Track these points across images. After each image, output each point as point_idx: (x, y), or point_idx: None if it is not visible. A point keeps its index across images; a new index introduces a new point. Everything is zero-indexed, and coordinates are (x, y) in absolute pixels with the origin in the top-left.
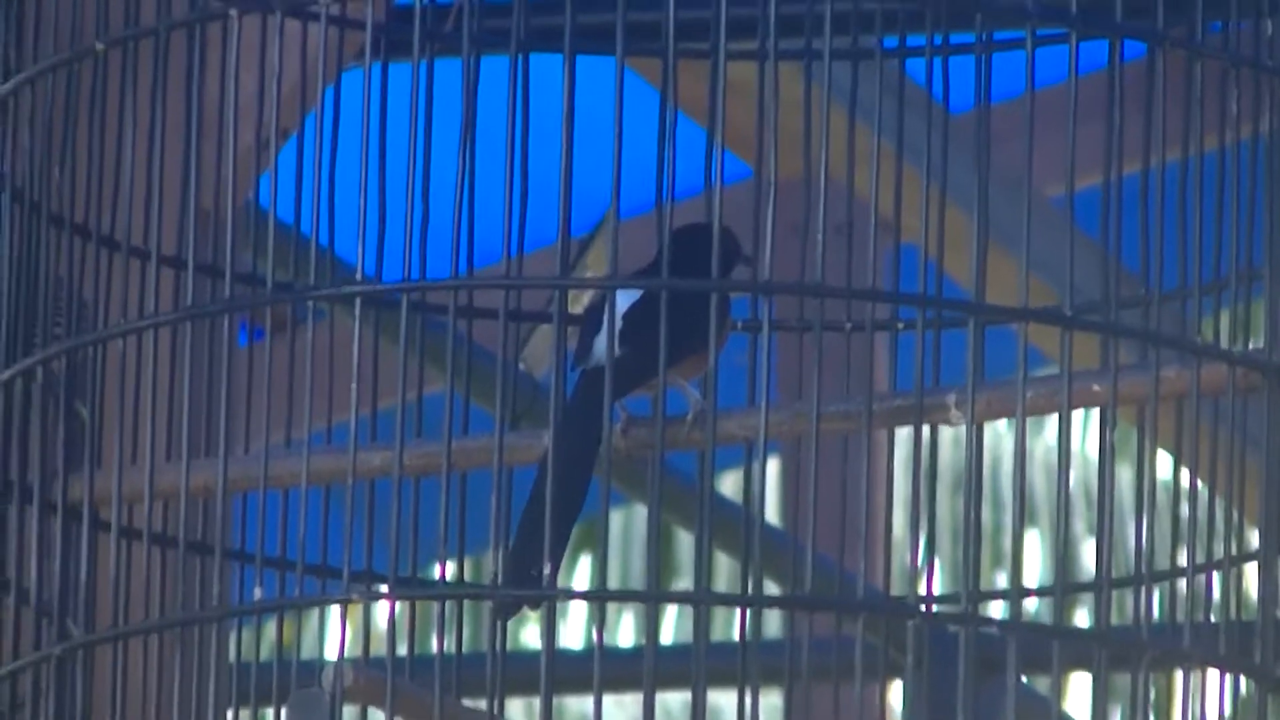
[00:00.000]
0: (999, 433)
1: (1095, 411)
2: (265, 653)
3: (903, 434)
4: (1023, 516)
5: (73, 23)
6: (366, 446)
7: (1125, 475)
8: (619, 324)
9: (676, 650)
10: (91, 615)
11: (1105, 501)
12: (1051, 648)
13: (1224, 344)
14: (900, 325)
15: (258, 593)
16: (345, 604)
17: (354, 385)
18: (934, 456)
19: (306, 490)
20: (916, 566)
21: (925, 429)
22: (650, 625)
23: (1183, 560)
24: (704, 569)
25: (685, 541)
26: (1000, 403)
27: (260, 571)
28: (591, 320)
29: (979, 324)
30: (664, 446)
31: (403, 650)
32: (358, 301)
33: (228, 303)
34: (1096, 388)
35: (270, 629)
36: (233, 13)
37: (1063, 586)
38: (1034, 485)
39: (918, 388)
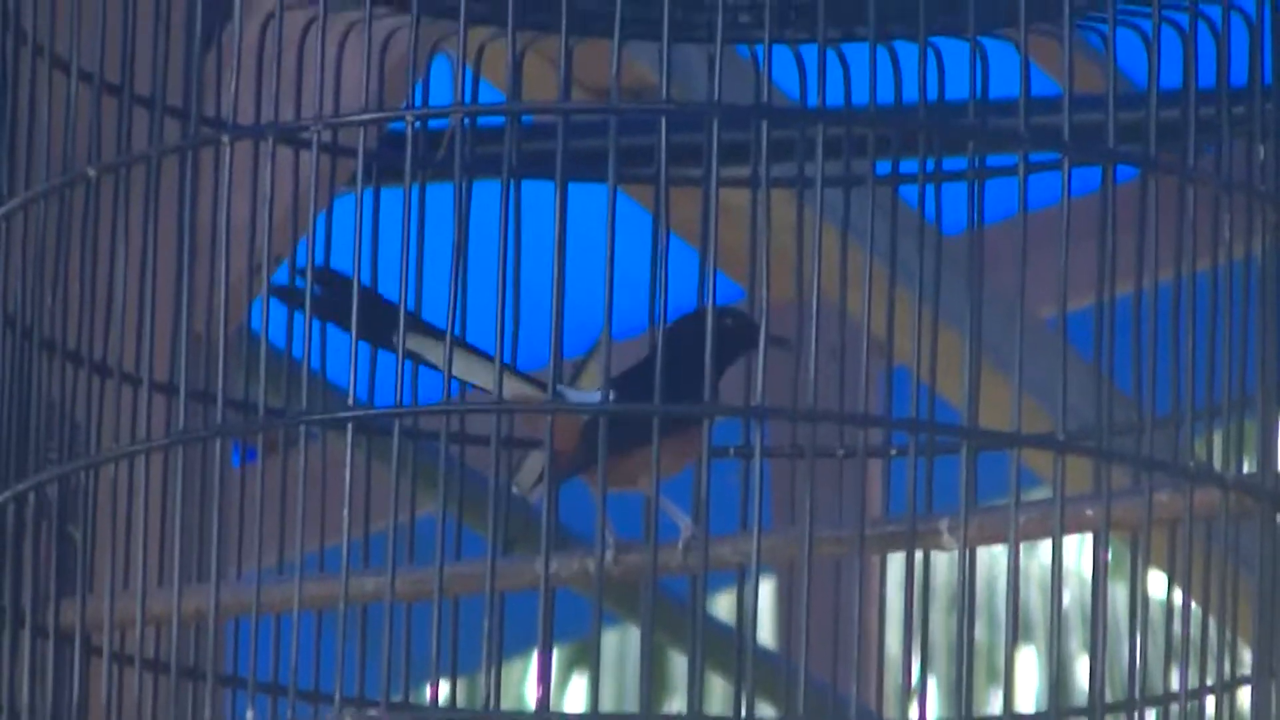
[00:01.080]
0: (994, 553)
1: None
2: None
3: (896, 557)
4: (1015, 641)
5: (65, 149)
6: (359, 571)
7: (1120, 594)
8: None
9: None
10: None
11: (1099, 623)
12: None
13: (1218, 466)
14: (893, 451)
15: (250, 717)
16: None
17: (346, 510)
18: (927, 581)
19: (299, 616)
20: (910, 688)
21: (919, 554)
22: None
23: (1176, 682)
24: (697, 692)
25: (679, 662)
26: (993, 528)
27: (253, 696)
28: None
29: (971, 449)
30: (656, 573)
31: None
32: (349, 427)
33: (220, 428)
34: (1089, 512)
35: None
36: (225, 139)
37: (1057, 710)
38: (1030, 603)
39: (910, 514)
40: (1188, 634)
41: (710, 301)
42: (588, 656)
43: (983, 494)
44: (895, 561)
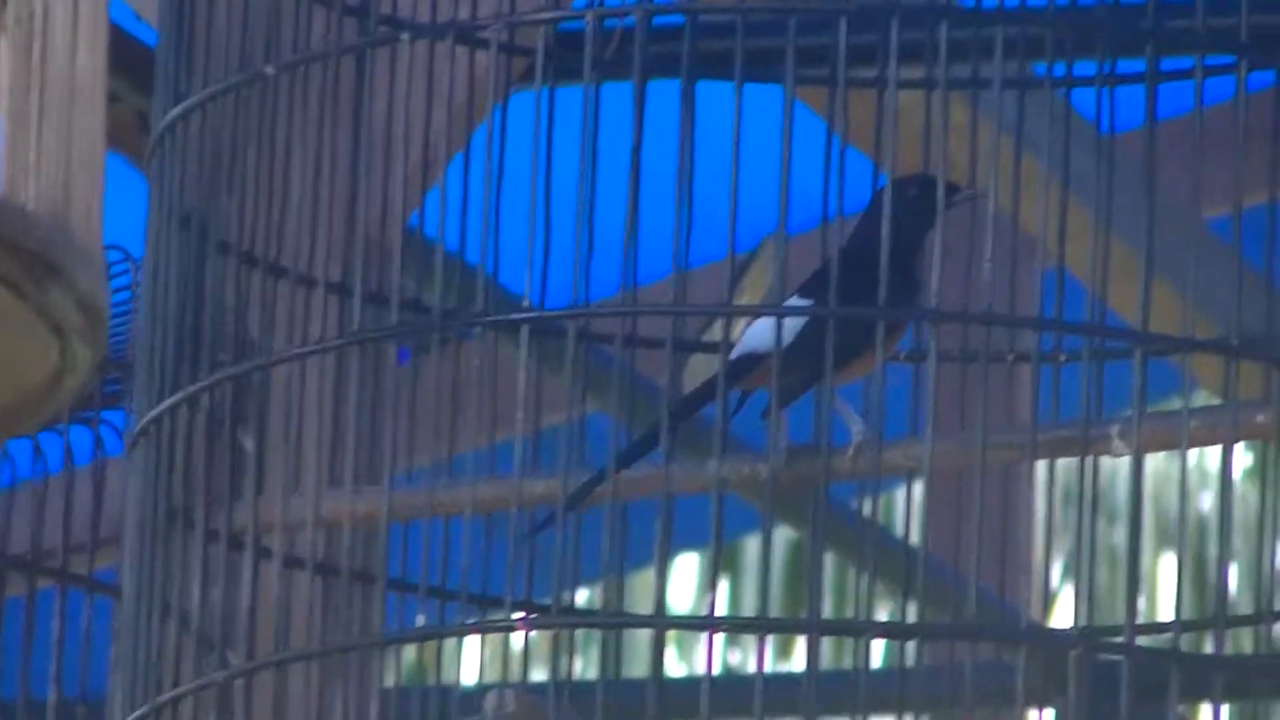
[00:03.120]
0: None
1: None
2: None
3: (1047, 465)
4: (1225, 549)
5: (241, 47)
6: (530, 475)
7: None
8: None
9: (830, 676)
10: (252, 643)
11: (1227, 528)
12: (1213, 678)
13: None
14: (1063, 356)
15: (420, 620)
16: (507, 632)
17: (519, 415)
18: (1095, 486)
19: (470, 519)
20: (1078, 598)
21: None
22: (811, 654)
23: None
24: (868, 600)
25: (829, 567)
26: (1163, 434)
27: (423, 600)
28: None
29: (1144, 354)
30: (828, 478)
31: (543, 675)
32: (524, 329)
33: (395, 328)
34: (1260, 419)
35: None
36: (404, 37)
37: (1224, 620)
38: (1171, 508)
39: (1084, 418)
40: None
41: (886, 216)
42: (732, 561)
43: (1126, 400)
44: (1043, 467)
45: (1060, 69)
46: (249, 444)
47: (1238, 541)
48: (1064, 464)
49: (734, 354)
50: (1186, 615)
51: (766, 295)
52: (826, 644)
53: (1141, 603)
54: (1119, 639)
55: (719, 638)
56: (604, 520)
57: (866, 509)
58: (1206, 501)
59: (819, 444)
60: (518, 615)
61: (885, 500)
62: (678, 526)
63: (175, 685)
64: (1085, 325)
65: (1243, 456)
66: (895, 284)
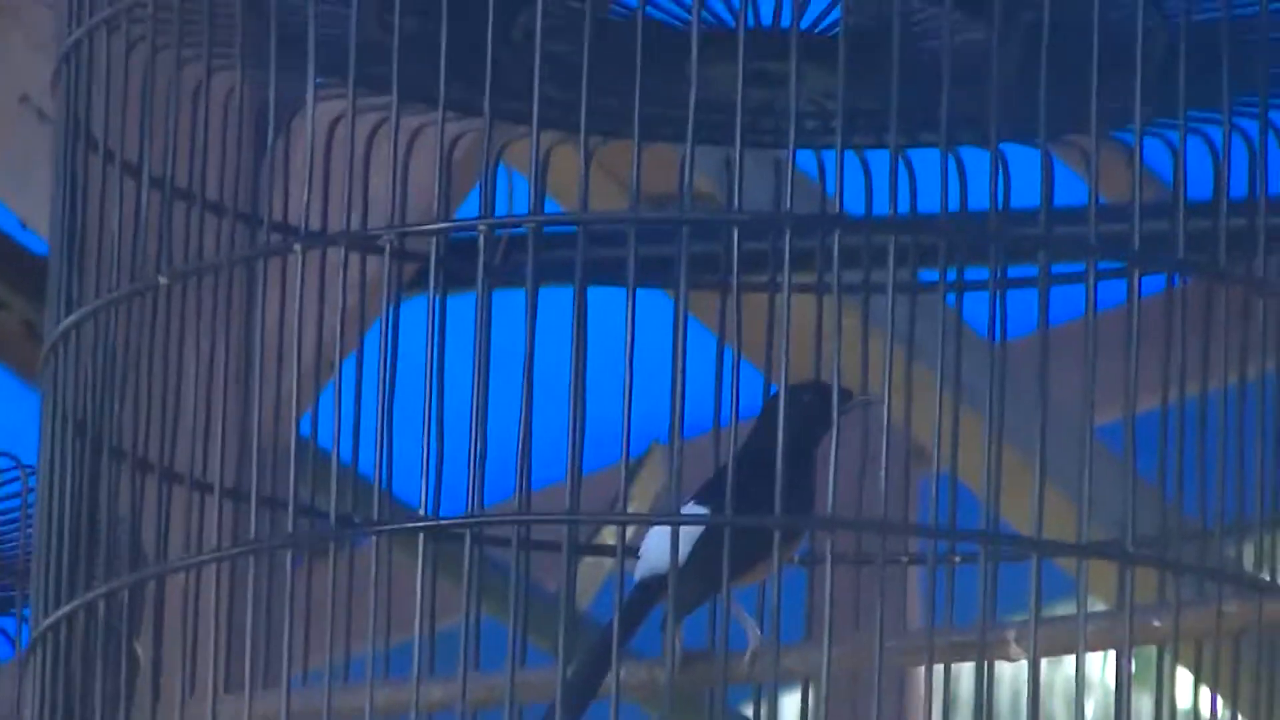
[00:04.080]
0: (1016, 666)
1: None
2: None
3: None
4: None
5: (134, 256)
6: (428, 679)
7: (1145, 705)
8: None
9: None
10: None
11: None
12: None
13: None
14: (958, 559)
15: None
16: None
17: (418, 622)
18: (991, 692)
19: None
20: None
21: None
22: None
23: None
24: None
25: None
26: (1059, 638)
27: None
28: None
29: (1039, 559)
30: (726, 681)
31: None
32: (421, 537)
33: (294, 537)
34: (1157, 623)
35: None
36: (297, 247)
37: None
38: (1054, 716)
39: (980, 624)
40: None
41: (780, 424)
42: None
43: (1018, 603)
44: (918, 674)
45: (952, 275)
46: (144, 651)
47: None
48: (957, 672)
49: (639, 574)
50: None
51: (656, 500)
52: None
53: None
54: None
55: None
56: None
57: (754, 713)
58: (1090, 709)
59: (715, 649)
60: None
61: (776, 706)
62: None
63: None
64: (980, 532)
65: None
66: (791, 490)
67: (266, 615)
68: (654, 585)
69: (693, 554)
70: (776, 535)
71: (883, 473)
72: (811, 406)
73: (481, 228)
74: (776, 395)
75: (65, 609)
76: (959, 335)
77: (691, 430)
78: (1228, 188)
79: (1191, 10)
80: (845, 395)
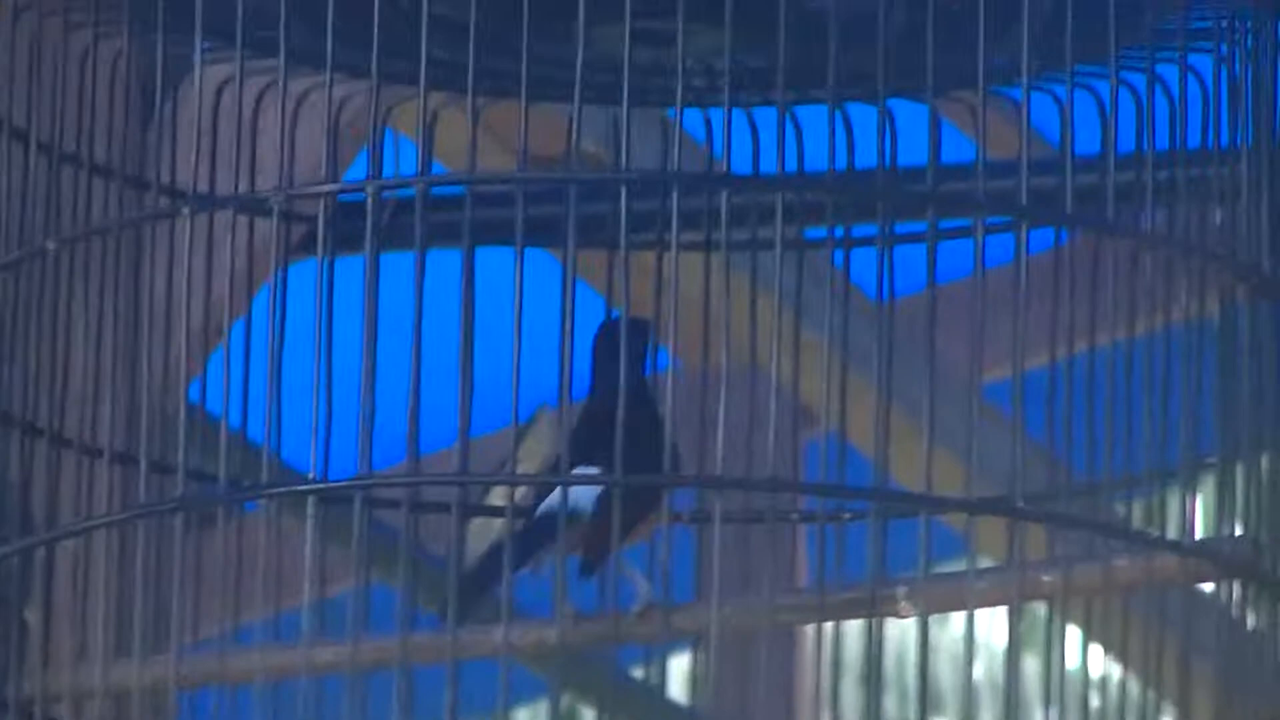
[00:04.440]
0: (902, 626)
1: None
2: None
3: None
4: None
5: (21, 221)
6: (317, 642)
7: (1031, 665)
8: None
9: None
10: None
11: (1014, 688)
12: None
13: (1171, 532)
14: (848, 515)
15: None
16: None
17: (306, 584)
18: (881, 649)
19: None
20: None
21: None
22: None
23: None
24: None
25: None
26: (950, 595)
27: None
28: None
29: (929, 516)
30: (618, 641)
31: None
32: (311, 500)
33: (183, 501)
34: (1046, 579)
35: None
36: (184, 210)
37: None
38: (939, 676)
39: (871, 581)
40: (1121, 701)
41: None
42: None
43: (907, 563)
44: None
45: (840, 232)
46: (34, 616)
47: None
48: (844, 632)
49: (538, 512)
50: None
51: (543, 463)
52: None
53: None
54: None
55: None
56: (393, 685)
57: (643, 673)
58: (977, 670)
59: (607, 607)
60: None
61: (665, 667)
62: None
63: None
64: (869, 489)
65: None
66: (646, 439)
67: (156, 581)
68: (548, 523)
69: (596, 510)
70: (665, 494)
71: (771, 432)
72: (634, 343)
73: (369, 189)
74: (600, 335)
75: None
76: (846, 294)
77: (580, 392)
78: (1115, 142)
79: None
80: (645, 325)
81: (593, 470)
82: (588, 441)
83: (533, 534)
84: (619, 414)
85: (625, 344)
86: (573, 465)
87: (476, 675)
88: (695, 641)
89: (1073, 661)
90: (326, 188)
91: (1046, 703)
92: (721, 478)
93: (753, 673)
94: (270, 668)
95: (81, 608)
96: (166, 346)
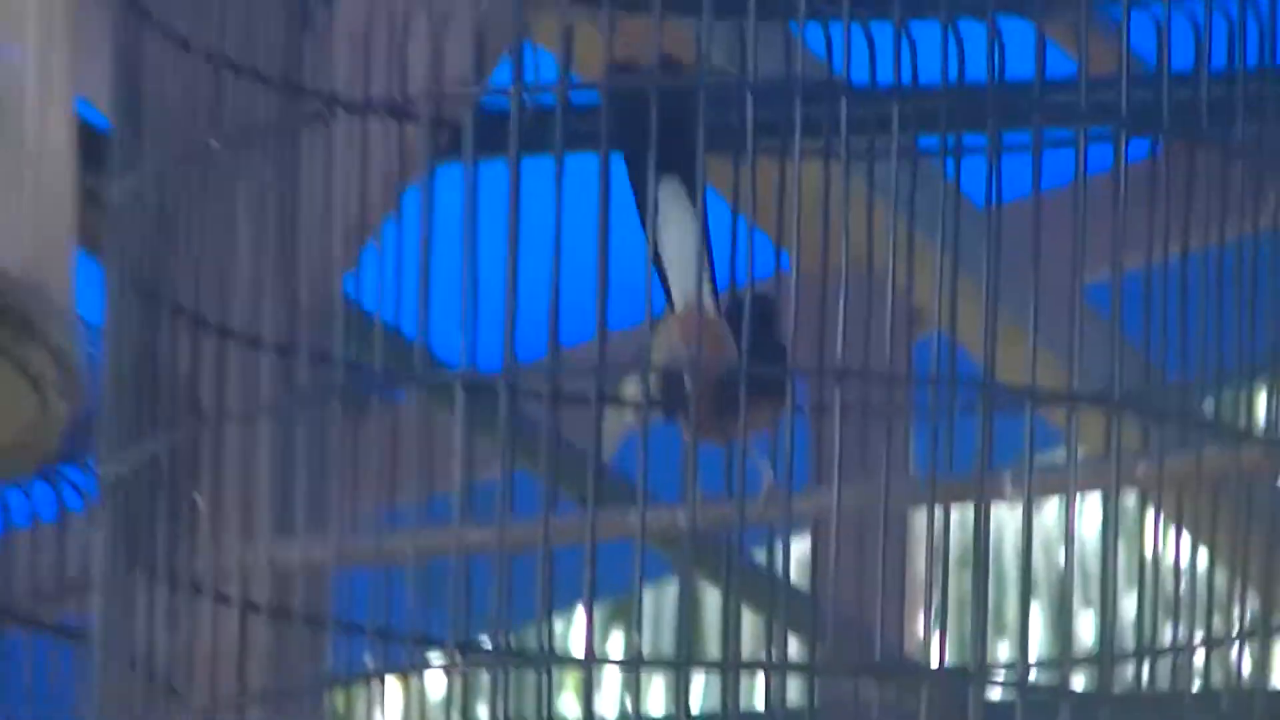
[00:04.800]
0: (997, 516)
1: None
2: None
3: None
4: (1069, 587)
5: (188, 124)
6: (465, 524)
7: (1121, 552)
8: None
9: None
10: (213, 686)
11: (1109, 576)
12: (1100, 714)
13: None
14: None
15: (367, 660)
16: (449, 670)
17: (455, 470)
18: (987, 532)
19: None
20: (931, 633)
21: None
22: (731, 693)
23: (1184, 634)
24: (767, 640)
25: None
26: (1050, 483)
27: (369, 641)
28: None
29: (1033, 407)
30: (743, 525)
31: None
32: (458, 389)
33: (337, 389)
34: (1140, 470)
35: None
36: (337, 114)
37: (1069, 657)
38: (1035, 564)
39: (979, 469)
40: (1205, 587)
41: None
42: (626, 612)
43: (1011, 454)
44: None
45: (950, 141)
46: (203, 499)
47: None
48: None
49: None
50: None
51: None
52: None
53: (1012, 649)
54: (1012, 677)
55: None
56: (536, 566)
57: (762, 556)
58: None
59: (733, 491)
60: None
61: (788, 548)
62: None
63: None
64: (978, 381)
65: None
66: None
67: (315, 465)
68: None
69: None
70: (789, 382)
71: (886, 330)
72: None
73: (512, 94)
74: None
75: (129, 461)
76: (957, 200)
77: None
78: (1209, 59)
79: None
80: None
81: None
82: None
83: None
84: (745, 310)
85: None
86: None
87: (611, 557)
88: (815, 525)
89: (1161, 549)
90: (472, 91)
91: (1139, 588)
92: (843, 368)
93: (868, 557)
94: (421, 548)
95: (246, 490)
96: (322, 243)
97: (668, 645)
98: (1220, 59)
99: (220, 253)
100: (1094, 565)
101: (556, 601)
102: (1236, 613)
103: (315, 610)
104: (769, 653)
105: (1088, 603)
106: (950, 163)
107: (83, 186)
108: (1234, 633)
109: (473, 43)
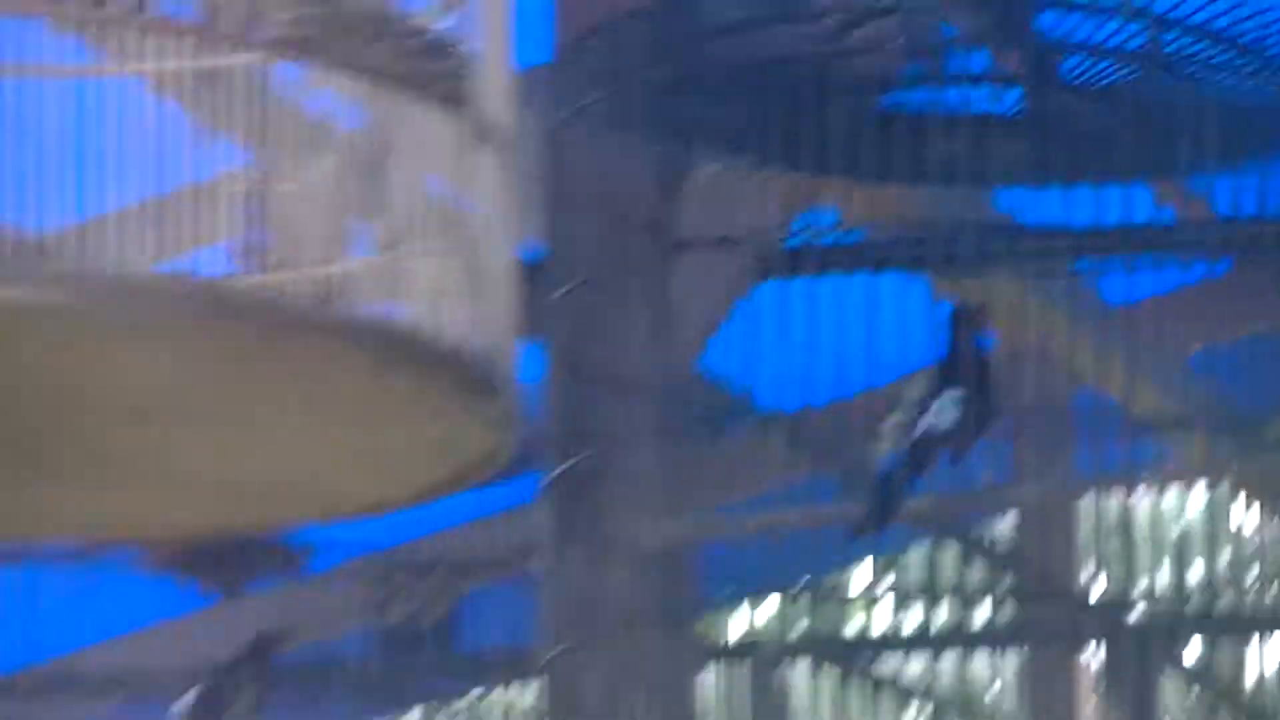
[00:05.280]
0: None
1: None
2: None
3: None
4: None
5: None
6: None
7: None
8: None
9: None
10: None
11: None
12: None
13: None
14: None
15: None
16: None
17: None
18: (1131, 512)
19: None
20: None
21: None
22: None
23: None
24: None
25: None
26: (1167, 476)
27: None
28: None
29: (1158, 430)
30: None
31: None
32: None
33: (693, 421)
34: (1226, 469)
35: None
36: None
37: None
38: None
39: (1123, 466)
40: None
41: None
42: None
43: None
44: None
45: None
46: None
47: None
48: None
49: (918, 431)
50: None
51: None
52: None
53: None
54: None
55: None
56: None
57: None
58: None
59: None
60: None
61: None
62: None
63: None
64: (1120, 412)
65: None
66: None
67: (688, 469)
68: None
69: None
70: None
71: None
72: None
73: (810, 233)
74: (954, 314)
75: (563, 467)
76: (1099, 302)
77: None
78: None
79: None
80: (981, 309)
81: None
82: (948, 381)
83: (918, 449)
84: (965, 366)
85: (969, 323)
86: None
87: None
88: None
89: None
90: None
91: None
92: (1028, 408)
93: (1053, 535)
94: (761, 524)
95: (638, 485)
96: (687, 336)
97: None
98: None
99: (618, 341)
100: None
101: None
102: None
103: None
104: (992, 590)
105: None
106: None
107: (521, 293)
108: None
109: (780, 200)
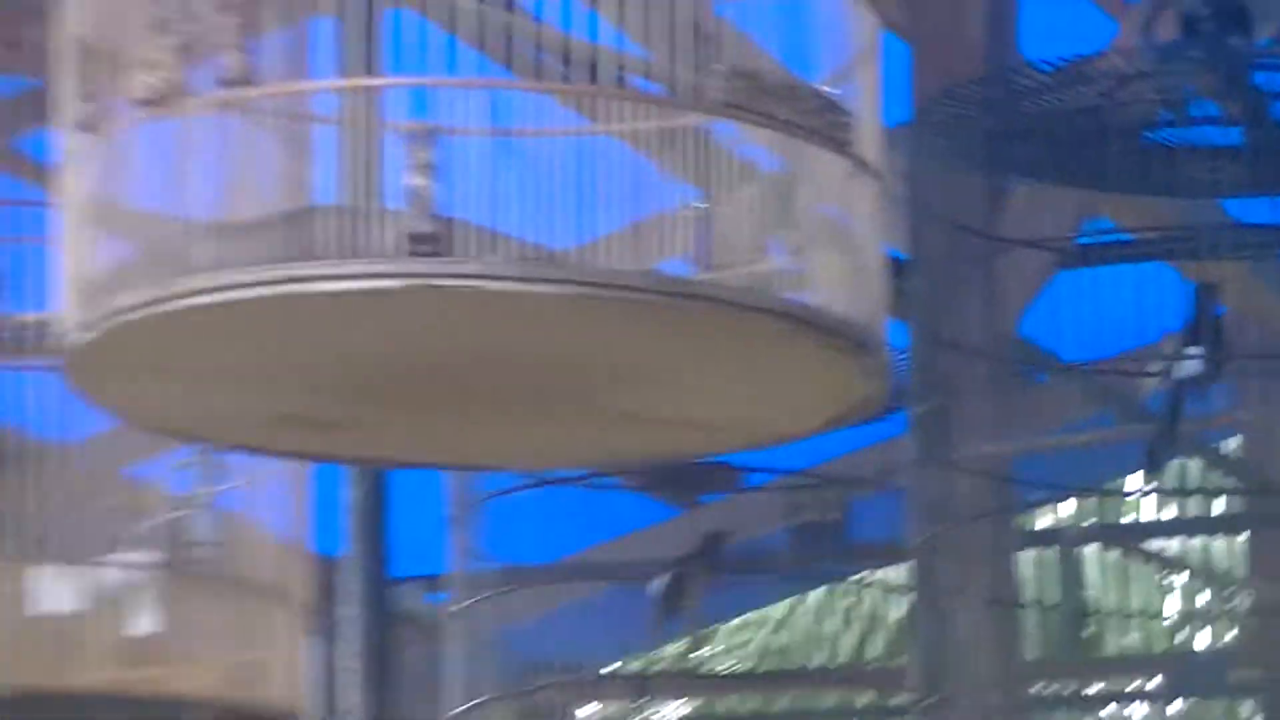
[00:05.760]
0: None
1: None
2: None
3: None
4: None
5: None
6: None
7: None
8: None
9: None
10: None
11: None
12: None
13: None
14: None
15: None
16: None
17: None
18: None
19: None
20: None
21: None
22: None
23: None
24: None
25: None
26: None
27: None
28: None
29: None
30: None
31: None
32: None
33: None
34: None
35: None
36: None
37: None
38: None
39: None
40: None
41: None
42: None
43: None
44: None
45: None
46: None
47: None
48: None
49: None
50: None
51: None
52: None
53: None
54: None
55: None
56: None
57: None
58: None
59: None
60: None
61: None
62: None
63: None
64: None
65: None
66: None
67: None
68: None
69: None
70: None
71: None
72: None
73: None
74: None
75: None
76: None
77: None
78: None
79: None
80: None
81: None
82: (1193, 340)
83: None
84: (1205, 329)
85: (1207, 297)
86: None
87: None
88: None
89: None
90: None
91: None
92: (1250, 357)
93: (1271, 448)
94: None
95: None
96: (998, 315)
97: None
98: None
99: (959, 316)
100: None
101: None
102: None
103: None
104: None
105: None
106: None
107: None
108: None
109: (1073, 211)
